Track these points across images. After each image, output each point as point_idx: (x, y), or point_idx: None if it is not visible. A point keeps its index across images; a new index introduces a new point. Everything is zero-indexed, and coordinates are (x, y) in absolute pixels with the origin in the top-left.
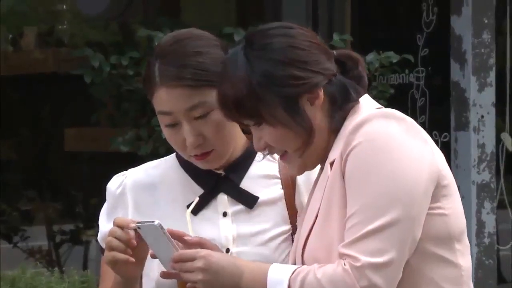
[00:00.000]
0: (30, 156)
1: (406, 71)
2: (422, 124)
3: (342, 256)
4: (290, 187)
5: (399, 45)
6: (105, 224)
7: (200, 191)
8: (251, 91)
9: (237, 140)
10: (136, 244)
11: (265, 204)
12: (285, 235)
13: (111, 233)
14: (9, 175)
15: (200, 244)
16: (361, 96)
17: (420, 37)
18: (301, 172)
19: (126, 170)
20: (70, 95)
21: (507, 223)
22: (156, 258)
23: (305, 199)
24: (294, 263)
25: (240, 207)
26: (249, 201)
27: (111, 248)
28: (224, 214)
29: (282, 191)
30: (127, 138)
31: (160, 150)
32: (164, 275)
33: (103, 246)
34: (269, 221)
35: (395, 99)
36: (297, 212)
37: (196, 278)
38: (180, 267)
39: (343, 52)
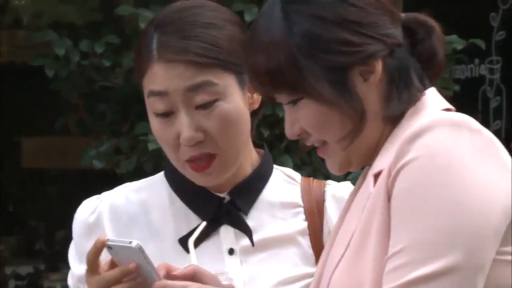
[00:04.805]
0: None
1: (476, 61)
2: (497, 132)
3: None
4: (316, 218)
5: (466, 27)
6: (77, 265)
7: (197, 221)
8: (288, 57)
9: (247, 152)
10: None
11: (282, 240)
12: (310, 280)
13: None
14: None
15: (195, 274)
16: (426, 86)
17: (494, 16)
18: (343, 170)
19: (101, 193)
20: (29, 93)
21: None
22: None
23: None
24: None
25: (250, 242)
26: (251, 238)
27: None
28: (231, 252)
29: (305, 223)
30: (103, 151)
31: (145, 167)
32: None
33: None
34: (288, 261)
35: (460, 98)
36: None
37: None
38: None
39: (412, 16)
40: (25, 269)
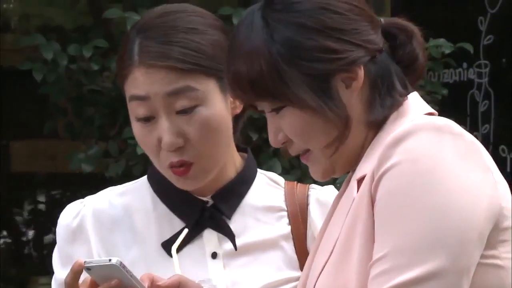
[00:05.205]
0: None
1: (464, 65)
2: (486, 136)
3: None
4: (299, 223)
5: (454, 31)
6: (60, 270)
7: (180, 224)
8: (269, 65)
9: (230, 156)
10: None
11: (265, 244)
12: (293, 284)
13: None
14: None
15: (180, 284)
16: (408, 90)
17: (482, 20)
18: (326, 177)
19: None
20: (17, 97)
21: None
22: None
23: None
24: None
25: (233, 246)
26: (234, 242)
27: None
28: (214, 255)
29: (289, 228)
30: (92, 155)
31: (134, 170)
32: None
33: None
34: (272, 266)
35: (449, 102)
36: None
37: None
38: None
39: (393, 21)
40: (14, 273)
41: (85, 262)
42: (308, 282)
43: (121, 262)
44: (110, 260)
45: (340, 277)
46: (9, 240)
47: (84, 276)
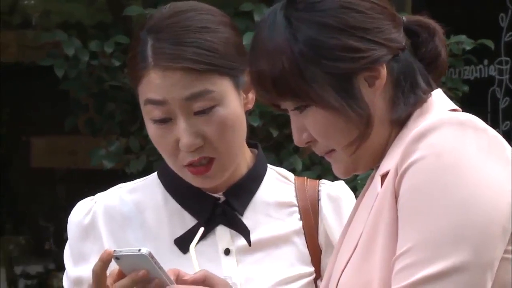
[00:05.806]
0: None
1: (485, 61)
2: (507, 133)
3: None
4: (311, 218)
5: (475, 27)
6: (72, 267)
7: (192, 221)
8: (292, 65)
9: (242, 153)
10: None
11: (278, 240)
12: (306, 279)
13: None
14: None
15: (206, 279)
16: (432, 87)
17: (503, 16)
18: (348, 174)
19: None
20: (38, 93)
21: None
22: None
23: (333, 232)
24: None
25: (246, 242)
26: (249, 237)
27: None
28: (227, 252)
29: (300, 223)
30: (113, 151)
31: (155, 166)
32: None
33: None
34: (284, 261)
35: (469, 99)
36: (320, 251)
37: None
38: None
39: (415, 19)
40: (34, 268)
41: (114, 251)
42: (332, 279)
43: (150, 252)
44: (139, 250)
45: (363, 273)
46: (29, 236)
47: (112, 268)
